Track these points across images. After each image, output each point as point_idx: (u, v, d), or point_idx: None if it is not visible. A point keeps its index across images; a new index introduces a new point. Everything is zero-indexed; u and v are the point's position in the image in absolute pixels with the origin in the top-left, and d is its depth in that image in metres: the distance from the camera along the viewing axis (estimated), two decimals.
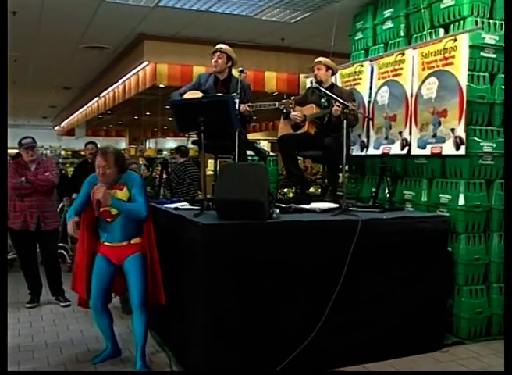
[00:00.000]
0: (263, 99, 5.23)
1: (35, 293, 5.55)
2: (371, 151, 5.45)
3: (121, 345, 4.13)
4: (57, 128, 25.21)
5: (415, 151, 4.90)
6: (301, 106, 5.07)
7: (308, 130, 4.97)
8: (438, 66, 4.68)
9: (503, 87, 4.22)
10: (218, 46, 4.88)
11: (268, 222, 3.77)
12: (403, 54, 5.08)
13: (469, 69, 4.45)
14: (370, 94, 5.52)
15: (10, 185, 5.24)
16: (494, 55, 4.56)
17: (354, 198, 5.44)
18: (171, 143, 25.38)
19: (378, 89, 5.38)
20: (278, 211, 4.02)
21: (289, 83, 9.41)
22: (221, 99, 4.38)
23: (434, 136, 4.69)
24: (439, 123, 4.63)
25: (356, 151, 5.58)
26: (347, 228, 3.92)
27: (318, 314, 3.78)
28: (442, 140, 4.60)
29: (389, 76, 5.25)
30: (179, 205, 4.49)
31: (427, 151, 4.77)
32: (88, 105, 15.54)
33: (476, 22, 4.57)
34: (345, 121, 4.43)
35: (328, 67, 5.05)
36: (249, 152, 5.18)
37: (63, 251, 6.91)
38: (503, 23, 4.37)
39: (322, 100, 5.04)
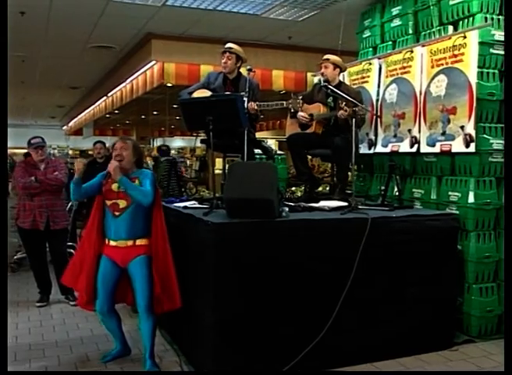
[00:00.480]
0: (270, 98, 5.24)
1: (45, 292, 5.57)
2: (380, 149, 5.43)
3: (130, 344, 4.14)
4: (65, 128, 25.33)
5: (424, 148, 4.88)
6: (308, 104, 5.05)
7: (316, 130, 4.96)
8: (447, 64, 4.65)
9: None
10: (228, 46, 4.86)
11: (278, 220, 3.76)
12: (412, 51, 5.06)
13: (478, 66, 4.43)
14: (378, 92, 5.51)
15: (20, 185, 5.27)
16: (503, 52, 4.52)
17: (363, 196, 5.42)
18: (179, 142, 25.46)
19: (387, 87, 5.36)
20: (287, 209, 4.01)
21: (297, 82, 9.40)
22: (229, 98, 4.38)
23: (443, 133, 4.67)
24: (449, 121, 4.61)
25: (364, 149, 5.57)
26: (357, 226, 3.91)
27: (327, 313, 3.78)
28: (452, 137, 4.58)
29: (397, 74, 5.23)
30: (187, 203, 4.49)
31: (436, 149, 4.75)
32: (96, 104, 15.60)
33: (486, 18, 4.54)
34: (354, 120, 4.41)
35: (336, 65, 5.00)
36: (256, 151, 5.18)
37: (72, 251, 6.93)
38: (504, 23, 4.34)
39: (329, 100, 5.02)
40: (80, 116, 19.75)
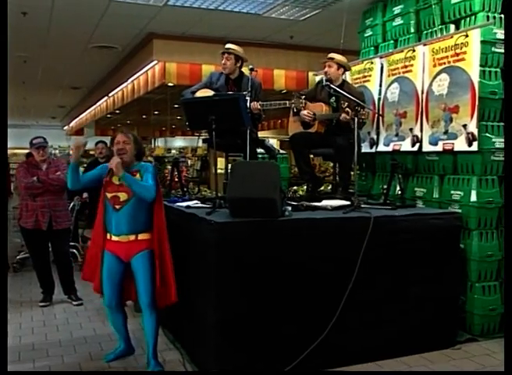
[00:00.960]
0: (272, 97, 5.24)
1: (48, 292, 5.58)
2: (381, 148, 5.43)
3: (134, 343, 4.15)
4: (66, 128, 25.34)
5: (427, 147, 4.88)
6: (311, 102, 5.06)
7: (318, 130, 4.97)
8: (449, 62, 4.66)
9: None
10: (226, 47, 4.86)
11: (281, 220, 3.77)
12: (414, 50, 5.06)
13: (481, 65, 4.43)
14: (380, 91, 5.52)
15: (22, 185, 5.28)
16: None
17: (365, 195, 5.43)
18: (180, 142, 25.48)
19: (389, 86, 5.37)
20: (290, 209, 4.01)
21: (298, 81, 9.40)
22: (232, 97, 4.39)
23: (446, 132, 4.67)
24: (451, 120, 4.62)
25: (365, 148, 5.57)
26: (359, 225, 3.92)
27: (330, 312, 3.78)
28: (454, 136, 4.58)
29: (399, 73, 5.24)
30: (190, 203, 4.49)
31: (439, 148, 4.75)
32: (97, 104, 15.61)
33: (487, 17, 4.55)
34: (356, 119, 4.42)
35: (340, 65, 4.98)
36: (259, 150, 5.19)
37: (75, 251, 6.95)
38: (504, 22, 4.34)
39: (331, 100, 5.02)
40: (81, 116, 19.77)
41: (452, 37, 4.65)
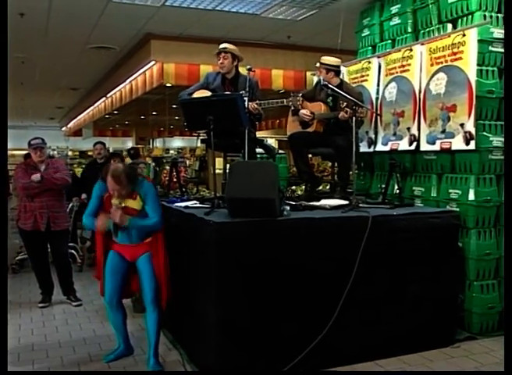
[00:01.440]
0: (270, 97, 5.23)
1: (47, 293, 5.58)
2: (380, 147, 5.44)
3: (133, 343, 4.16)
4: (64, 129, 25.30)
5: (424, 146, 4.89)
6: (309, 102, 5.07)
7: (317, 129, 4.98)
8: (446, 62, 4.67)
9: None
10: (222, 46, 4.87)
11: (280, 219, 3.77)
12: (411, 50, 5.07)
13: (478, 64, 4.44)
14: (377, 90, 5.52)
15: (20, 185, 5.27)
16: (503, 50, 4.53)
17: (364, 194, 5.44)
18: (178, 142, 25.45)
19: (386, 85, 5.38)
20: (288, 208, 4.02)
21: (296, 81, 9.42)
22: (229, 97, 4.40)
23: (443, 131, 4.68)
24: (448, 119, 4.63)
25: (363, 147, 5.58)
26: (358, 224, 3.93)
27: (329, 312, 3.79)
28: (452, 135, 4.59)
29: (396, 73, 5.24)
30: (189, 203, 4.50)
31: (436, 147, 4.76)
32: (95, 105, 15.60)
33: (484, 16, 4.56)
34: (354, 119, 4.43)
35: (328, 69, 5.02)
36: (258, 150, 5.19)
37: (73, 252, 6.95)
38: (504, 23, 4.35)
39: (328, 100, 5.04)
40: (79, 117, 19.75)
41: (449, 36, 4.66)
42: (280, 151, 6.96)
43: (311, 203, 4.42)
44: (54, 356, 4.14)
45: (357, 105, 4.45)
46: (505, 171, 4.02)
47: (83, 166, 10.95)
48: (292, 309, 3.77)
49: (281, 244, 3.72)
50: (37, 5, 6.78)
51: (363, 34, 6.14)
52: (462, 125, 4.49)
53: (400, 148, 5.14)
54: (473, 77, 4.41)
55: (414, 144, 4.98)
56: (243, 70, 4.87)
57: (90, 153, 19.35)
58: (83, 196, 6.87)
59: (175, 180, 6.07)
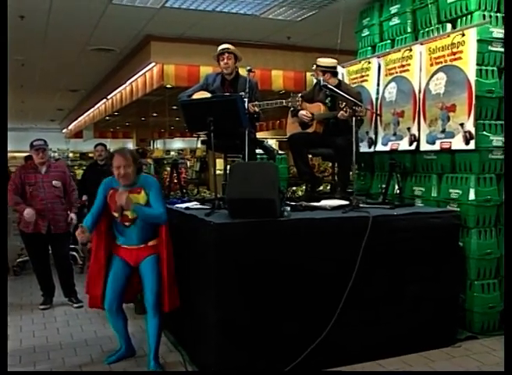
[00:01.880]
0: (270, 98, 5.24)
1: (48, 295, 5.58)
2: (380, 147, 5.45)
3: (134, 345, 4.16)
4: (64, 131, 25.31)
5: (424, 146, 4.89)
6: (309, 103, 5.08)
7: (316, 130, 4.99)
8: (446, 61, 4.67)
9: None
10: (225, 46, 4.88)
11: (280, 220, 3.78)
12: (411, 50, 5.08)
13: (477, 64, 4.45)
14: (377, 90, 5.53)
15: (10, 201, 5.26)
16: (502, 49, 4.53)
17: (364, 194, 5.44)
18: (179, 143, 25.46)
19: (386, 85, 5.38)
20: (289, 209, 4.03)
21: (296, 82, 9.42)
22: (229, 98, 4.40)
23: (443, 131, 4.69)
24: (448, 118, 4.63)
25: (364, 147, 5.58)
26: (358, 225, 3.93)
27: (330, 312, 3.79)
28: (452, 135, 4.60)
29: (396, 73, 5.25)
30: (189, 204, 4.51)
31: (436, 147, 4.76)
32: (95, 107, 15.61)
33: (484, 16, 4.56)
34: (354, 119, 4.43)
35: (324, 71, 5.03)
36: (258, 151, 5.20)
37: (74, 253, 6.95)
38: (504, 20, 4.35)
39: (326, 101, 5.05)
40: (79, 119, 19.76)
41: (448, 36, 4.66)
42: (280, 152, 6.97)
43: (312, 203, 4.42)
44: (55, 358, 4.14)
45: (356, 104, 4.46)
46: (505, 170, 4.02)
47: (84, 167, 10.96)
48: (292, 310, 3.77)
49: (281, 244, 3.72)
50: (37, 8, 6.79)
51: (362, 34, 6.14)
52: (462, 125, 4.49)
53: (400, 148, 5.15)
54: (472, 77, 4.41)
55: (415, 144, 4.98)
56: (242, 71, 4.87)
57: (90, 155, 19.36)
58: (84, 198, 6.87)
59: (175, 181, 6.07)
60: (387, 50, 5.57)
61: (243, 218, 3.68)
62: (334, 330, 3.78)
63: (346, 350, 3.91)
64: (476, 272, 4.46)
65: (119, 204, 3.69)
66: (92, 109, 16.34)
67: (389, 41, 5.69)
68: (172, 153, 22.60)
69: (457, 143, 4.54)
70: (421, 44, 4.99)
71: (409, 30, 5.40)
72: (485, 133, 4.48)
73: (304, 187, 5.48)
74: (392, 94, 5.29)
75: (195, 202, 4.63)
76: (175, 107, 12.65)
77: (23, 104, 17.03)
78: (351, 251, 3.86)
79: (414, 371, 3.84)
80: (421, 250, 4.16)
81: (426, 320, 4.19)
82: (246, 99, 4.53)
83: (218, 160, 5.12)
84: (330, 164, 6.55)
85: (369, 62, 5.67)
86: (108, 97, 13.16)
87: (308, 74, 8.90)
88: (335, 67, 5.14)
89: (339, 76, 5.34)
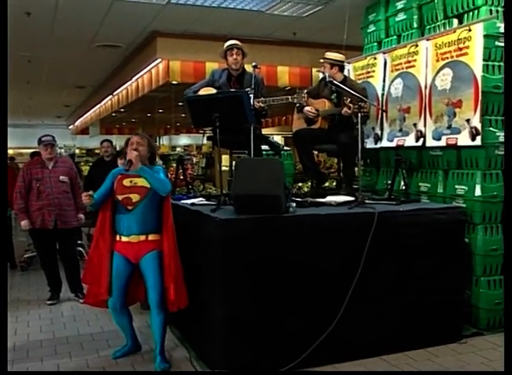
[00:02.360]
0: (276, 94, 5.24)
1: (55, 290, 5.62)
2: (385, 143, 5.44)
3: (140, 340, 4.18)
4: (71, 127, 25.41)
5: (430, 142, 4.88)
6: (314, 99, 5.08)
7: (322, 126, 4.98)
8: (452, 57, 4.65)
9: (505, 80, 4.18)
10: (234, 42, 4.88)
11: (285, 216, 3.79)
12: (417, 45, 5.06)
13: (484, 59, 4.42)
14: (383, 86, 5.51)
15: (16, 206, 5.36)
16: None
17: (370, 190, 5.44)
18: (185, 139, 25.50)
19: (392, 81, 5.37)
20: (294, 205, 4.03)
21: (302, 78, 9.41)
22: (235, 94, 4.41)
23: (449, 127, 4.67)
24: (454, 114, 4.62)
25: (370, 143, 5.58)
26: (364, 221, 3.93)
27: (335, 308, 3.80)
28: (458, 131, 4.58)
29: (402, 68, 5.23)
30: (195, 200, 4.52)
31: (442, 143, 4.75)
32: (102, 103, 15.66)
33: (491, 11, 4.54)
34: (359, 115, 4.43)
35: (332, 64, 5.02)
36: (263, 147, 5.20)
37: (81, 249, 6.98)
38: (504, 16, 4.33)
39: (332, 97, 5.04)
40: (86, 115, 19.82)
41: (455, 31, 4.64)
42: (286, 148, 6.96)
43: (317, 200, 4.42)
44: (62, 353, 4.17)
45: (362, 100, 4.45)
46: (505, 168, 4.00)
47: (90, 164, 10.99)
48: (298, 306, 3.78)
49: (287, 240, 3.73)
50: (43, 4, 6.81)
51: (368, 30, 6.13)
52: (468, 120, 4.47)
53: (406, 144, 5.13)
54: (479, 72, 4.39)
55: (421, 140, 4.97)
56: (248, 68, 4.88)
57: (97, 151, 19.41)
58: (90, 193, 6.88)
59: (181, 177, 6.08)
60: (393, 46, 5.56)
61: (249, 214, 3.69)
62: (339, 326, 3.78)
63: (350, 346, 3.92)
64: (482, 268, 4.45)
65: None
66: (98, 106, 16.39)
67: (395, 37, 5.67)
68: (178, 149, 22.63)
69: (463, 139, 4.53)
70: (427, 39, 4.97)
71: (415, 25, 5.38)
72: (491, 129, 4.47)
73: (309, 183, 5.48)
74: (398, 90, 5.27)
75: (201, 198, 4.65)
76: (181, 103, 12.67)
77: (29, 100, 17.10)
78: (357, 247, 3.86)
79: (405, 371, 3.85)
80: (427, 246, 4.15)
81: (432, 316, 4.19)
82: (251, 95, 4.53)
83: (224, 156, 5.12)
84: (336, 160, 6.55)
85: (375, 58, 5.65)
86: (114, 93, 13.20)
87: (314, 70, 8.90)
88: (343, 62, 5.14)
89: (345, 72, 5.32)
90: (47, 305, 5.46)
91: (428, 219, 4.20)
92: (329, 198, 4.45)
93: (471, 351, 4.09)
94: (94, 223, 4.09)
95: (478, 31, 4.41)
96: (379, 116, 5.51)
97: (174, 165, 9.61)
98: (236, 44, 4.86)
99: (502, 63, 4.52)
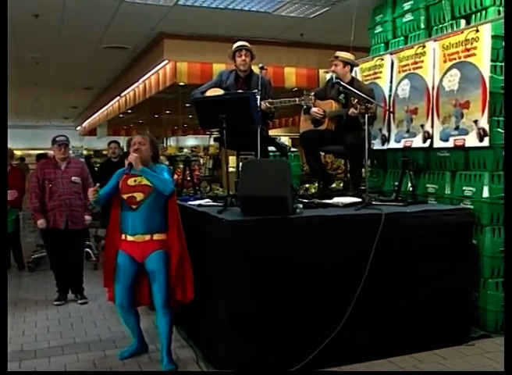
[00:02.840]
0: (283, 95, 5.23)
1: (63, 291, 5.62)
2: (393, 144, 5.42)
3: (147, 341, 4.19)
4: (79, 128, 25.51)
5: (438, 143, 4.87)
6: (321, 100, 5.07)
7: (328, 127, 4.98)
8: (460, 58, 4.64)
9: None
10: (243, 43, 4.89)
11: (292, 217, 3.78)
12: (424, 46, 5.04)
13: (492, 60, 4.40)
14: (390, 87, 5.50)
15: (30, 204, 5.39)
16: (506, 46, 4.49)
17: (377, 191, 5.42)
18: (192, 141, 25.55)
19: (399, 82, 5.35)
20: (301, 206, 4.02)
21: (309, 79, 9.41)
22: (242, 96, 4.40)
23: (457, 128, 4.66)
24: (462, 115, 4.60)
25: (377, 145, 5.57)
26: (371, 222, 3.92)
27: (341, 309, 3.79)
28: (465, 132, 4.57)
29: (409, 69, 5.22)
30: (202, 201, 4.53)
31: (450, 144, 4.74)
32: (109, 104, 15.71)
33: (499, 11, 4.52)
34: (366, 116, 4.42)
35: (345, 63, 5.01)
36: (270, 148, 5.20)
37: (88, 250, 7.00)
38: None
39: (340, 97, 5.03)
40: (93, 117, 19.91)
41: (462, 32, 4.63)
42: (293, 149, 6.96)
43: (324, 201, 4.42)
44: (69, 353, 4.18)
45: (369, 101, 4.44)
46: (505, 169, 3.97)
47: (98, 165, 11.03)
48: (304, 307, 3.77)
49: (293, 241, 3.73)
50: (50, 6, 6.84)
51: (375, 31, 6.12)
52: (476, 122, 4.46)
53: (413, 146, 5.12)
54: (487, 73, 4.37)
55: (428, 141, 4.95)
56: (255, 69, 4.88)
57: (104, 152, 19.47)
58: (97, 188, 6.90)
59: (188, 178, 6.09)
60: (400, 47, 5.55)
61: (256, 215, 3.68)
62: (346, 328, 3.77)
63: (357, 347, 3.90)
64: (490, 270, 4.43)
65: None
66: (106, 107, 16.44)
67: (402, 38, 5.66)
68: (186, 150, 22.66)
69: (471, 140, 4.51)
70: (435, 40, 4.95)
71: (422, 26, 5.37)
72: (499, 130, 4.44)
73: (316, 185, 5.47)
74: (405, 91, 5.26)
75: (208, 199, 4.65)
76: (188, 104, 12.69)
77: (37, 102, 17.18)
78: (363, 249, 3.85)
79: (412, 371, 3.84)
80: (435, 248, 4.14)
81: (439, 318, 4.17)
82: (258, 96, 4.53)
83: (231, 157, 5.13)
84: (343, 161, 6.54)
85: (382, 59, 5.64)
86: (122, 94, 13.24)
87: (321, 71, 8.90)
88: (354, 62, 5.14)
89: (353, 73, 5.31)
90: (54, 305, 5.47)
91: (436, 221, 4.19)
92: (336, 200, 4.44)
93: (479, 354, 4.06)
94: (102, 225, 4.10)
95: (485, 32, 4.39)
96: (386, 117, 5.50)
97: (181, 166, 9.63)
98: (246, 46, 4.87)
99: None
